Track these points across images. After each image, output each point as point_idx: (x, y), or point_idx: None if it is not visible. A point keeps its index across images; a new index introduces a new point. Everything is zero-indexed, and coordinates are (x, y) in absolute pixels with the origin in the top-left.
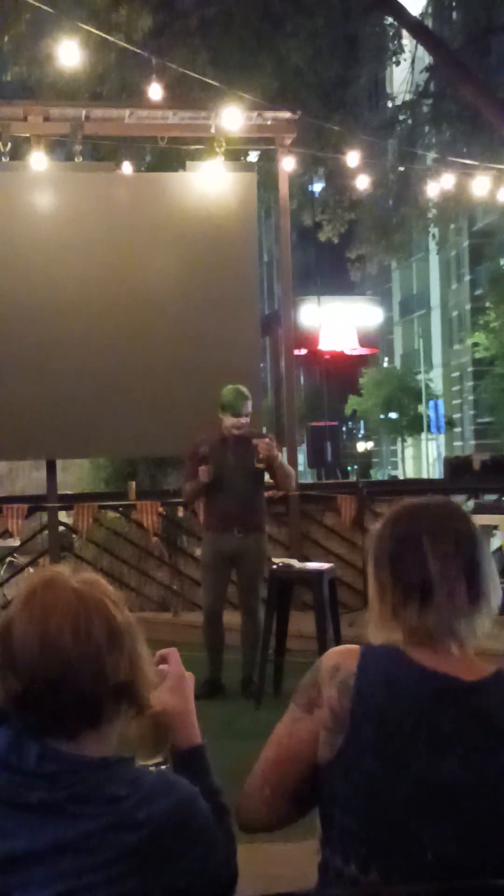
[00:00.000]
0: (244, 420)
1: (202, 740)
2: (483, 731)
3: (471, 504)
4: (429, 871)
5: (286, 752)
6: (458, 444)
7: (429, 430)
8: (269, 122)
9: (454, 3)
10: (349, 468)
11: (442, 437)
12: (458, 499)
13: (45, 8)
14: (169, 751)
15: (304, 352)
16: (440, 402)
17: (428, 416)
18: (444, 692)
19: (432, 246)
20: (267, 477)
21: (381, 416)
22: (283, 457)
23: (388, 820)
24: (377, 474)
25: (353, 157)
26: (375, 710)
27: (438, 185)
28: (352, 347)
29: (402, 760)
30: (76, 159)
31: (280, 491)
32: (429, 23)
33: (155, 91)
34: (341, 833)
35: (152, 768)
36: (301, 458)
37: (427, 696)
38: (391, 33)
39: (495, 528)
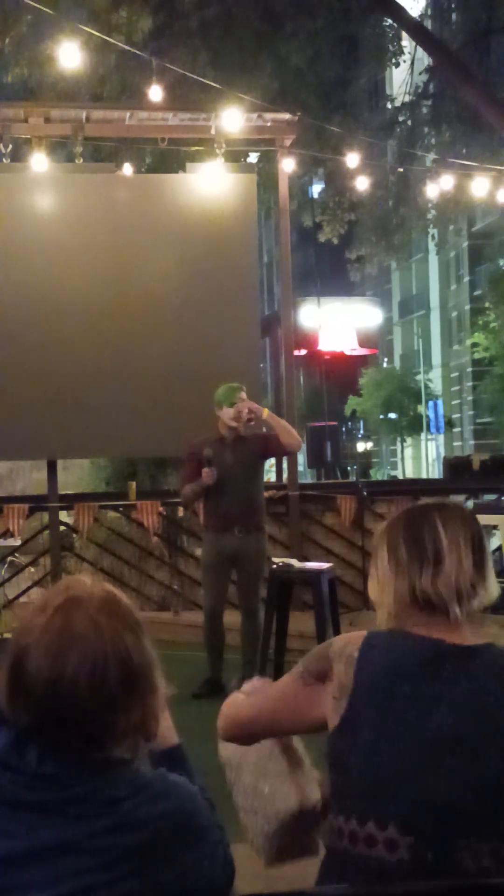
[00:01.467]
0: (242, 404)
1: (179, 740)
2: (472, 689)
3: (471, 504)
4: (420, 816)
5: (288, 705)
6: (457, 444)
7: (428, 430)
8: (269, 124)
9: (454, 4)
10: (349, 468)
11: (441, 438)
12: (457, 499)
13: (45, 10)
14: (146, 753)
15: (303, 352)
16: (440, 402)
17: (427, 417)
18: (438, 653)
19: (432, 247)
20: (267, 478)
21: (381, 417)
22: (268, 411)
23: (383, 770)
24: (377, 474)
25: (352, 158)
26: (375, 672)
27: (438, 186)
28: (351, 348)
29: (397, 715)
30: (77, 160)
31: (289, 449)
32: (428, 24)
33: (155, 92)
34: (342, 794)
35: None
36: (301, 458)
37: (422, 656)
38: (391, 34)
39: (495, 528)
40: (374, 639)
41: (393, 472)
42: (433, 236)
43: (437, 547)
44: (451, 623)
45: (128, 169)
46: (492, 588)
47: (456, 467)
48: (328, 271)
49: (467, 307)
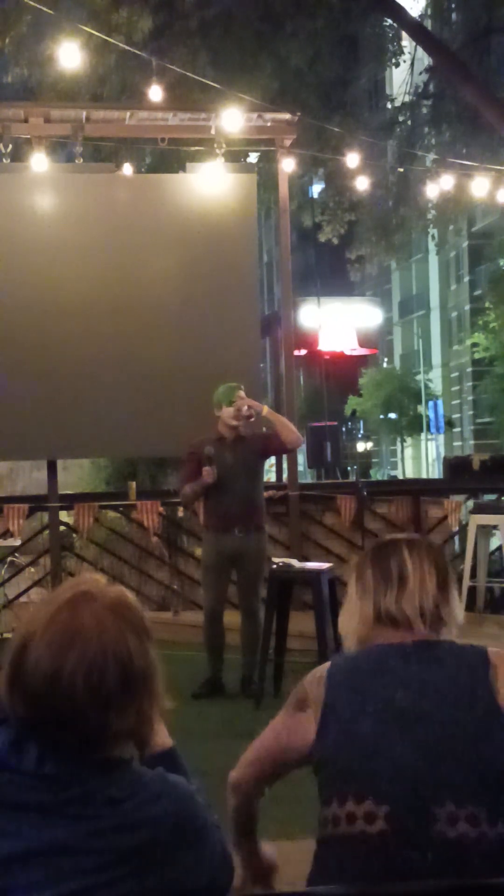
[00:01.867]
0: (241, 401)
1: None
2: (433, 670)
3: (470, 504)
4: (394, 785)
5: (280, 742)
6: (457, 444)
7: (428, 430)
8: (269, 124)
9: (454, 4)
10: (349, 468)
11: (441, 438)
12: (458, 499)
13: (45, 10)
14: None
15: (303, 352)
16: (439, 402)
17: (427, 417)
18: (402, 650)
19: (432, 247)
20: (267, 478)
21: (381, 417)
22: (267, 408)
23: (355, 749)
24: (377, 474)
25: (352, 158)
26: (343, 676)
27: (438, 186)
28: (351, 348)
29: (365, 699)
30: (77, 160)
31: (290, 446)
32: (428, 24)
33: (155, 92)
34: (326, 784)
35: None
36: (301, 458)
37: (387, 653)
38: (391, 34)
39: (495, 528)
40: (341, 656)
41: (393, 472)
42: (433, 236)
43: (401, 570)
44: (416, 636)
45: (128, 169)
46: (457, 612)
47: (456, 467)
48: (328, 271)
49: (467, 307)
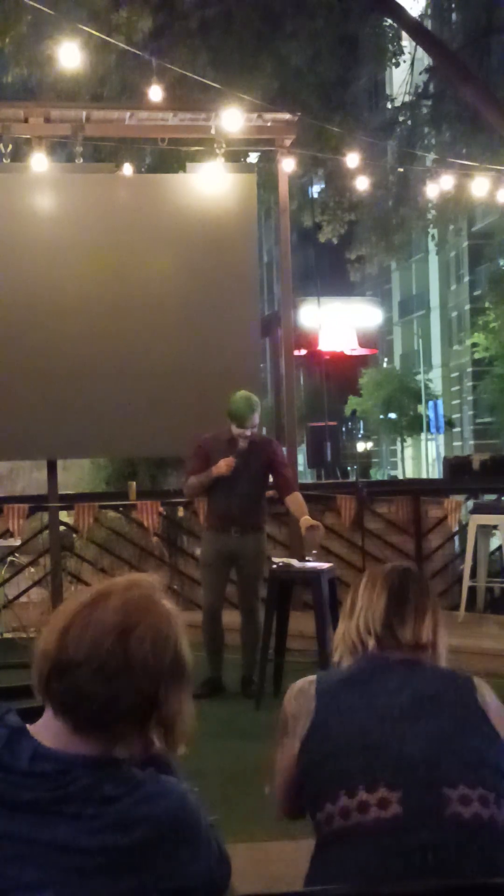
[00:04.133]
0: (248, 433)
1: None
2: (423, 679)
3: (470, 504)
4: (406, 770)
5: (290, 774)
6: (457, 444)
7: (428, 430)
8: (268, 124)
9: (454, 4)
10: (349, 468)
11: (441, 438)
12: (458, 499)
13: (45, 10)
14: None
15: (303, 352)
16: (439, 402)
17: (427, 417)
18: (388, 661)
19: (432, 247)
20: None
21: (381, 417)
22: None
23: (362, 740)
24: (377, 474)
25: (352, 158)
26: (333, 686)
27: (438, 186)
28: (351, 348)
29: (364, 699)
30: (77, 160)
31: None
32: (428, 24)
33: (155, 92)
34: (326, 784)
35: None
36: (301, 458)
37: (375, 664)
38: (391, 34)
39: (495, 528)
40: (324, 672)
41: (393, 472)
42: (433, 236)
43: (354, 596)
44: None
45: (128, 169)
46: (444, 642)
47: (456, 467)
48: (328, 271)
49: (467, 307)
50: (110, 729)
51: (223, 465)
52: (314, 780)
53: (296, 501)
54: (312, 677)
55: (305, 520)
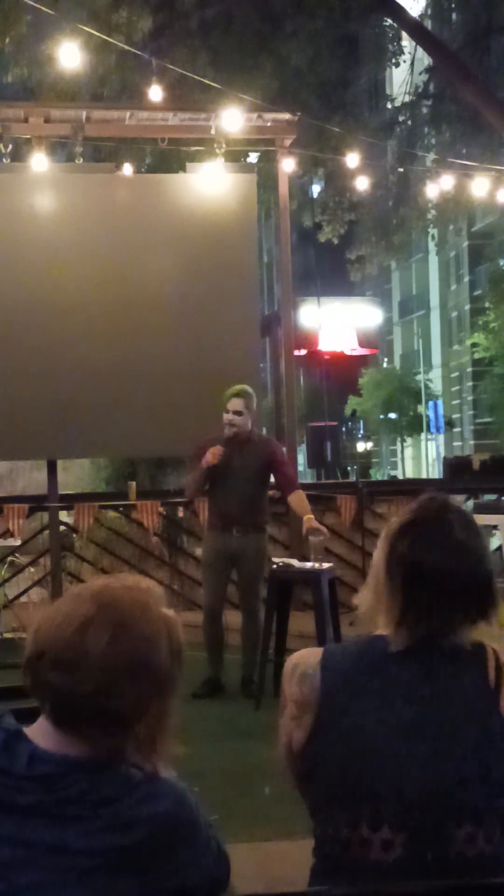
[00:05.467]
0: (230, 416)
1: None
2: (433, 681)
3: (470, 504)
4: (411, 811)
5: (289, 752)
6: (457, 444)
7: (428, 430)
8: (268, 124)
9: (454, 4)
10: (349, 468)
11: (441, 438)
12: (457, 499)
13: (45, 10)
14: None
15: (303, 352)
16: (439, 402)
17: (427, 417)
18: (400, 652)
19: (432, 247)
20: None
21: (381, 417)
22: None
23: (364, 771)
24: (377, 474)
25: (352, 158)
26: (342, 679)
27: (438, 186)
28: (351, 348)
29: (368, 713)
30: (77, 160)
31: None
32: (428, 24)
33: (155, 92)
34: (327, 803)
35: None
36: (301, 458)
37: (386, 656)
38: (391, 34)
39: (495, 528)
40: (333, 652)
41: (393, 472)
42: (433, 236)
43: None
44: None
45: (128, 169)
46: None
47: (456, 467)
48: (328, 271)
49: (467, 307)
50: (79, 724)
51: (209, 456)
52: (315, 789)
53: (298, 499)
54: (317, 657)
55: (308, 519)
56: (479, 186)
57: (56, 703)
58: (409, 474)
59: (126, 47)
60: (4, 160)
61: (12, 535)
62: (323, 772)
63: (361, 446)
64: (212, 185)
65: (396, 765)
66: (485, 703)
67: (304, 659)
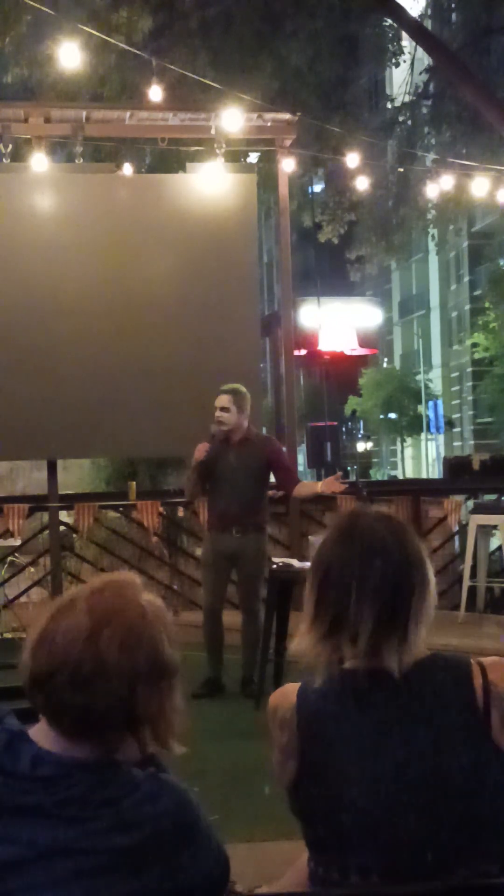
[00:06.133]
0: (217, 413)
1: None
2: (415, 716)
3: (470, 504)
4: (401, 860)
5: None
6: (457, 444)
7: (428, 430)
8: (268, 124)
9: (454, 4)
10: (349, 468)
11: (441, 438)
12: (457, 499)
13: (45, 10)
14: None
15: (303, 352)
16: (439, 402)
17: (427, 417)
18: (375, 685)
19: (432, 247)
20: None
21: (381, 417)
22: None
23: (352, 819)
24: (377, 474)
25: (352, 158)
26: (318, 724)
27: (438, 186)
28: (351, 348)
29: (352, 759)
30: (77, 160)
31: (290, 493)
32: (428, 24)
33: (155, 92)
34: (317, 846)
35: None
36: (301, 458)
37: (361, 691)
38: (391, 34)
39: (495, 528)
40: (307, 692)
41: (393, 472)
42: (433, 236)
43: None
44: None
45: (128, 169)
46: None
47: (456, 467)
48: (328, 271)
49: (467, 307)
50: (98, 734)
51: (196, 453)
52: (305, 832)
53: (303, 485)
54: (292, 700)
55: (322, 482)
56: (479, 186)
57: (76, 719)
58: (409, 474)
59: (126, 47)
60: (4, 160)
61: (12, 535)
62: (310, 820)
63: (361, 446)
64: (212, 185)
65: (382, 814)
66: (473, 733)
67: (281, 702)
